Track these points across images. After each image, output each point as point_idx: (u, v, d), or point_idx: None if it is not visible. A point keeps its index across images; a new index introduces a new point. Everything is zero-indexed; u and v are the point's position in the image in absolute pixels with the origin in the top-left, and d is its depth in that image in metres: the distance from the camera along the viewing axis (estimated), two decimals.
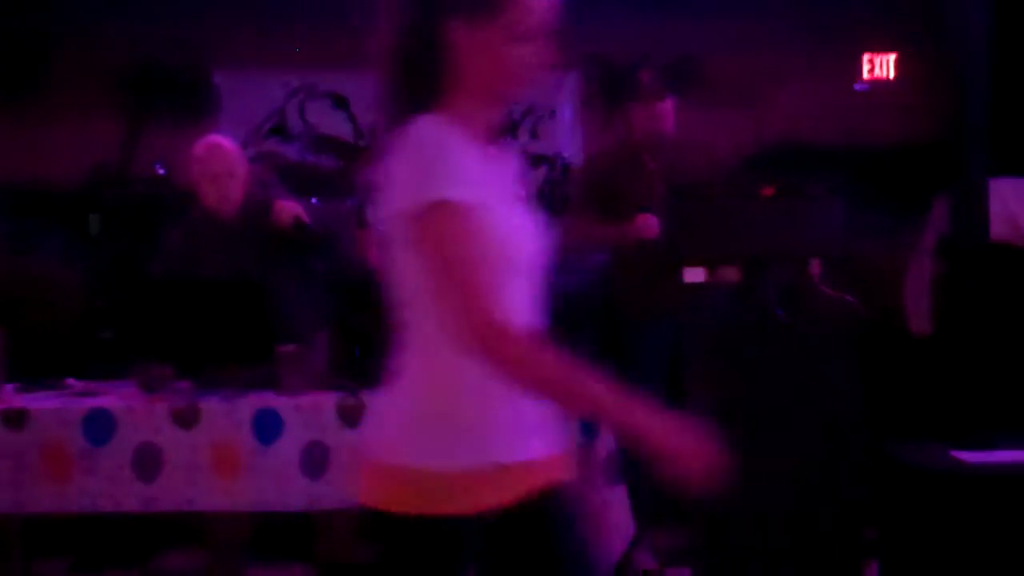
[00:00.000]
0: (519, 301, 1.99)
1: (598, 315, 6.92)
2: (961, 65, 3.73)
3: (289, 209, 4.27)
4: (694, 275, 3.77)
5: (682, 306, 4.64)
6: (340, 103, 8.25)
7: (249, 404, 3.58)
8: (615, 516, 3.57)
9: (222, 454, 3.52)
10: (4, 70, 7.66)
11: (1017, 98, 6.25)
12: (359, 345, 3.87)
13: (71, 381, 4.02)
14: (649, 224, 4.67)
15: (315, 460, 3.53)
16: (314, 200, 6.61)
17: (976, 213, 3.73)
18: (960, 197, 3.77)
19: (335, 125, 8.08)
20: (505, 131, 7.34)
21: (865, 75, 8.45)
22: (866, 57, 8.42)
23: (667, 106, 4.76)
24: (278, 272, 4.21)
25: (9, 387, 3.93)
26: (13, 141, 7.58)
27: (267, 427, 3.54)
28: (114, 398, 3.69)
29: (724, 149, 5.53)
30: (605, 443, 3.57)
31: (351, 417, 3.53)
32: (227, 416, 3.54)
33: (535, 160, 7.89)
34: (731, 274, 3.76)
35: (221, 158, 4.35)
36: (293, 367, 4.22)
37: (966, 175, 3.74)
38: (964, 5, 3.88)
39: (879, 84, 8.41)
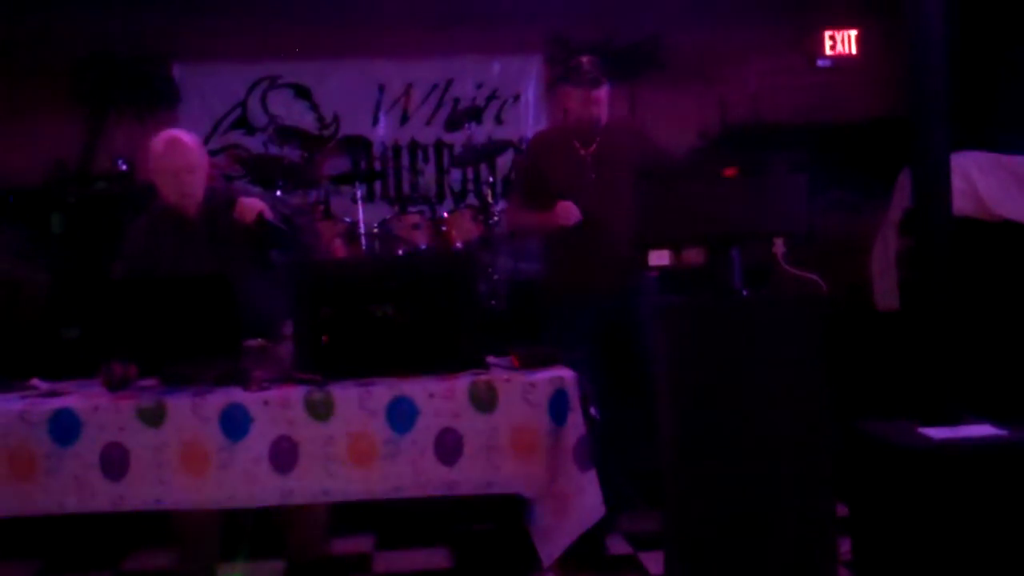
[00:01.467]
0: None
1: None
2: (920, 39, 3.73)
3: (251, 206, 4.23)
4: (659, 258, 3.76)
5: (612, 287, 4.67)
6: (302, 93, 8.22)
7: (216, 400, 3.54)
8: (586, 501, 3.56)
9: (190, 451, 3.49)
10: None
11: (979, 71, 6.29)
12: (325, 338, 3.84)
13: (36, 382, 3.97)
14: (569, 211, 4.68)
15: (284, 455, 3.50)
16: (279, 192, 6.58)
17: (939, 188, 3.74)
18: (922, 172, 3.77)
19: (298, 116, 8.05)
20: (470, 117, 7.37)
21: (827, 51, 8.48)
22: (828, 33, 8.45)
23: (602, 93, 4.74)
24: (241, 266, 4.18)
25: None
26: None
27: (235, 423, 3.50)
28: (79, 398, 3.64)
29: (663, 134, 5.53)
30: (575, 428, 3.57)
31: (320, 411, 3.50)
32: (194, 413, 3.50)
33: (500, 145, 7.88)
34: (696, 256, 3.75)
35: (181, 153, 4.27)
36: (260, 362, 4.21)
37: (928, 150, 3.74)
38: None
39: (841, 60, 8.44)
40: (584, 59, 4.77)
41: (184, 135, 4.36)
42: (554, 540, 3.62)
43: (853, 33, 8.44)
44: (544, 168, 4.85)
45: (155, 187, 4.38)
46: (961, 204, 4.52)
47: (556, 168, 4.80)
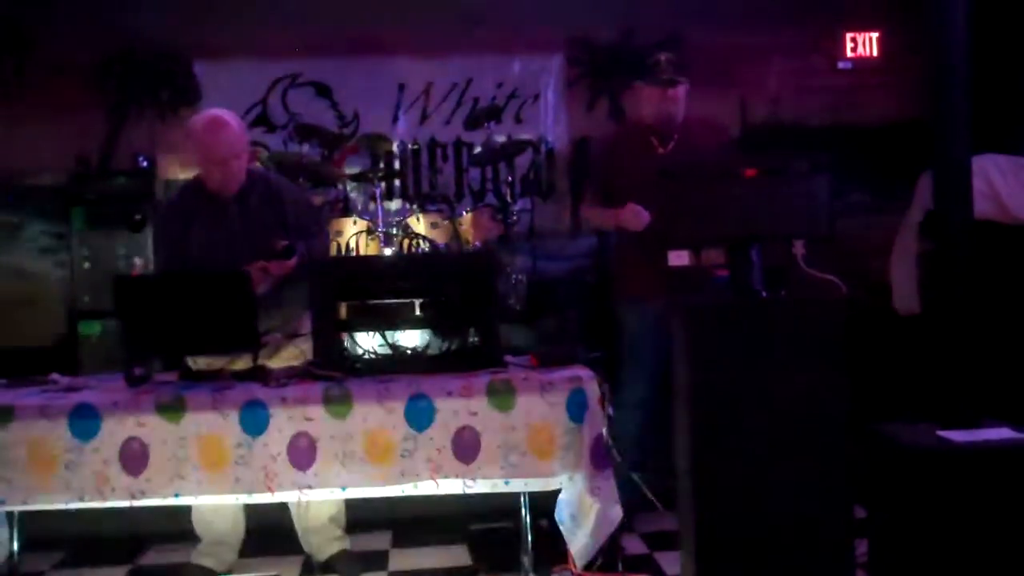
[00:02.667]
0: None
1: (587, 297, 6.95)
2: (942, 41, 3.71)
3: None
4: (679, 258, 3.76)
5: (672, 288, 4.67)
6: (323, 91, 8.23)
7: (236, 396, 3.55)
8: (603, 500, 3.57)
9: (209, 446, 3.50)
10: None
11: (1001, 74, 6.26)
12: (345, 335, 3.86)
13: (56, 376, 4.00)
14: (638, 215, 4.65)
15: (303, 450, 3.51)
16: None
17: (960, 191, 3.72)
18: (943, 174, 3.76)
19: (318, 113, 8.06)
20: (489, 116, 7.36)
21: (848, 53, 8.45)
22: (849, 35, 8.42)
23: (680, 91, 4.73)
24: (269, 253, 4.16)
25: None
26: None
27: (254, 419, 3.52)
28: (99, 393, 3.66)
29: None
30: (593, 427, 3.57)
31: (338, 407, 3.51)
32: (214, 408, 3.52)
33: (519, 145, 7.87)
34: (716, 257, 3.75)
35: (226, 142, 4.19)
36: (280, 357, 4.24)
37: (949, 152, 3.72)
38: None
39: (862, 62, 8.41)
40: (662, 57, 4.75)
41: (228, 118, 4.27)
42: (577, 540, 3.64)
43: (874, 35, 8.41)
44: (619, 165, 4.84)
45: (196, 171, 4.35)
46: (982, 207, 4.50)
47: (632, 166, 4.76)
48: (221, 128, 4.21)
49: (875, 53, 8.45)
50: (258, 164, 7.59)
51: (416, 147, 8.32)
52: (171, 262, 4.33)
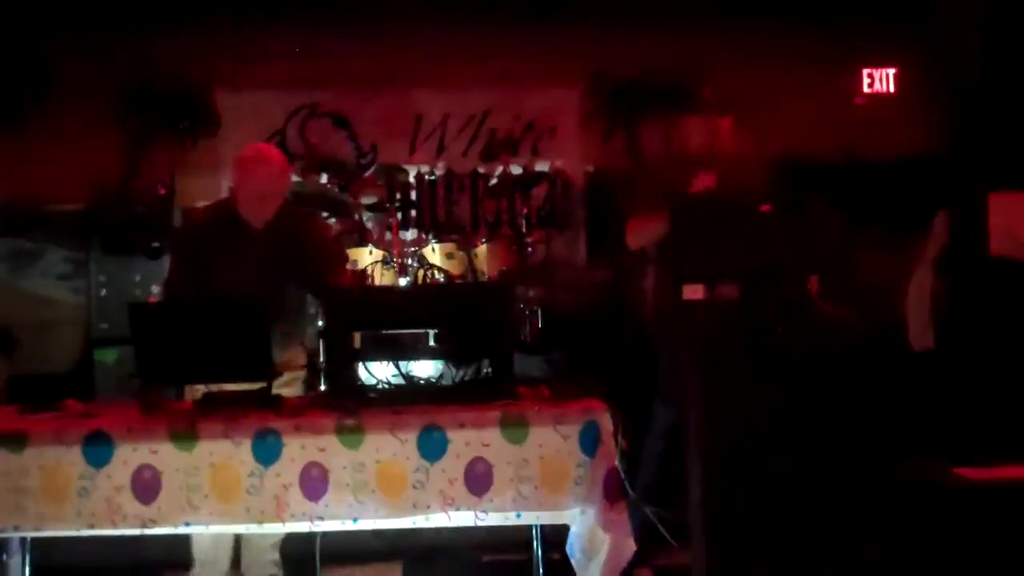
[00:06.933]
0: None
1: (602, 327, 6.93)
2: (958, 80, 3.72)
3: None
4: (693, 292, 3.76)
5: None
6: (340, 122, 8.28)
7: (249, 424, 3.56)
8: (617, 533, 3.56)
9: (221, 475, 3.51)
10: (5, 90, 7.67)
11: (1016, 112, 6.26)
12: (357, 365, 3.87)
13: (71, 402, 4.01)
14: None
15: (315, 480, 3.51)
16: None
17: (976, 227, 3.72)
18: (960, 211, 3.76)
19: (336, 144, 8.10)
20: (506, 148, 7.39)
21: (865, 89, 8.46)
22: (866, 71, 8.43)
23: (727, 122, 4.76)
24: (288, 283, 4.20)
25: (10, 409, 3.93)
26: (14, 161, 7.59)
27: (267, 447, 3.52)
28: (114, 419, 3.67)
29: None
30: (606, 460, 3.56)
31: (351, 437, 3.51)
32: (227, 437, 3.52)
33: (535, 177, 7.89)
34: (730, 291, 3.75)
35: (268, 179, 4.29)
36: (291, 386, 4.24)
37: (966, 189, 3.72)
38: (961, 20, 3.89)
39: (879, 98, 8.41)
40: (707, 89, 4.77)
41: (275, 154, 4.38)
42: (589, 573, 3.62)
43: (891, 72, 8.41)
44: (663, 193, 4.83)
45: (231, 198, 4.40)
46: (999, 245, 4.49)
47: (676, 195, 4.75)
48: (264, 163, 4.31)
49: (892, 89, 8.44)
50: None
51: (433, 178, 8.35)
52: (181, 280, 4.39)
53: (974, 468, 3.45)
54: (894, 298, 5.87)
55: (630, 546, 3.60)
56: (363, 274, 6.36)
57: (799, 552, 3.45)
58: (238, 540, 4.33)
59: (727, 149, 4.78)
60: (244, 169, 4.30)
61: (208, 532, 4.12)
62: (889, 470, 3.63)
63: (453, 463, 3.52)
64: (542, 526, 3.84)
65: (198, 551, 4.29)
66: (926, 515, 3.42)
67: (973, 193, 3.72)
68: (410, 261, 6.61)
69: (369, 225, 7.43)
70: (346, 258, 5.80)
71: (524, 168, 8.16)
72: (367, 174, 7.78)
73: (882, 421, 4.21)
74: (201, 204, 6.90)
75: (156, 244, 7.23)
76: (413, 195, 8.26)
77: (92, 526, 3.53)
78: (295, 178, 7.82)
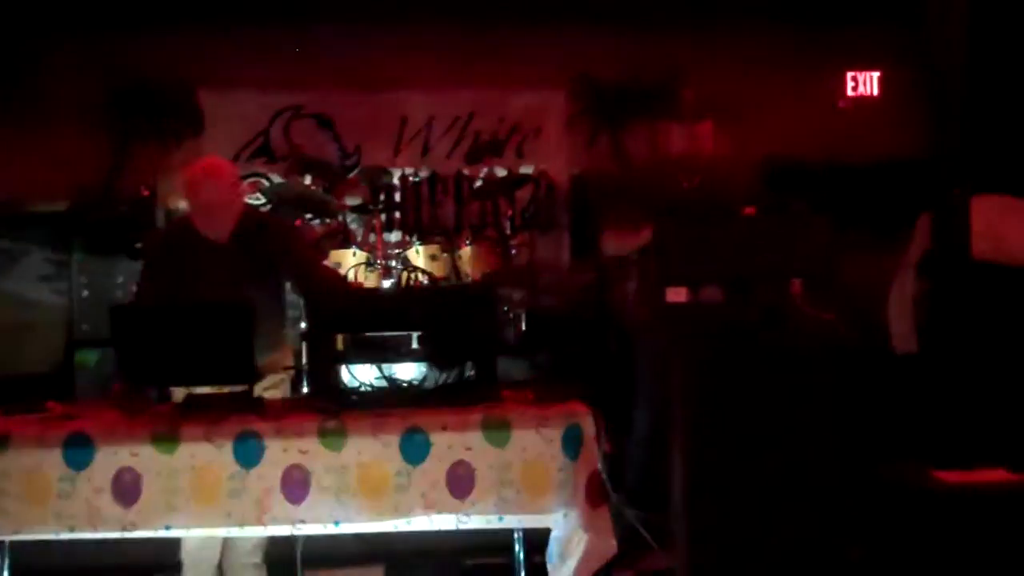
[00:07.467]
0: None
1: (585, 330, 6.93)
2: (942, 83, 3.73)
3: None
4: (677, 295, 3.76)
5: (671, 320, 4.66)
6: (325, 123, 8.26)
7: (231, 427, 3.54)
8: (598, 536, 3.55)
9: (202, 478, 3.49)
10: None
11: (1000, 115, 6.28)
12: (340, 367, 3.85)
13: (52, 404, 3.99)
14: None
15: (296, 483, 3.50)
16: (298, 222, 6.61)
17: (958, 231, 3.73)
18: (942, 215, 3.77)
19: (320, 145, 8.09)
20: (491, 150, 7.38)
21: (849, 92, 8.48)
22: (850, 75, 8.45)
23: (707, 127, 4.76)
24: (256, 291, 4.18)
25: None
26: None
27: (248, 450, 3.51)
28: (95, 421, 3.65)
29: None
30: (588, 463, 3.56)
31: (333, 440, 3.50)
32: (208, 439, 3.51)
33: (520, 179, 7.89)
34: (714, 294, 3.75)
35: (217, 189, 4.22)
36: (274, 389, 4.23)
37: (948, 193, 3.73)
38: (946, 23, 3.90)
39: (863, 102, 8.44)
40: (686, 93, 4.77)
41: (223, 166, 4.32)
42: (561, 574, 3.62)
43: (875, 75, 8.44)
44: (644, 200, 4.83)
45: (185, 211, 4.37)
46: (981, 247, 4.50)
47: (657, 201, 4.75)
48: (213, 176, 4.24)
49: (876, 92, 8.47)
50: (259, 194, 7.64)
51: (417, 180, 8.33)
52: (148, 297, 4.38)
53: (955, 471, 3.46)
54: (877, 301, 5.88)
55: (611, 547, 3.59)
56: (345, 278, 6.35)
57: (781, 555, 3.45)
58: (227, 544, 4.31)
59: (707, 153, 4.79)
60: (194, 184, 4.24)
61: (194, 535, 4.12)
62: (871, 473, 3.63)
63: (435, 466, 3.51)
64: (524, 530, 3.84)
65: (186, 554, 4.27)
66: (907, 518, 3.43)
67: (955, 196, 3.72)
68: (394, 263, 6.60)
69: (353, 227, 7.42)
70: (324, 256, 5.80)
71: (508, 170, 8.15)
72: (351, 176, 7.76)
73: (865, 424, 4.22)
74: (184, 206, 6.88)
75: (139, 245, 7.19)
76: (397, 197, 8.25)
77: (72, 529, 3.51)
78: (279, 179, 7.86)
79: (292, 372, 4.48)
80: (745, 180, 4.89)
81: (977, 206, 4.21)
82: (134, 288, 6.17)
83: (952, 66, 3.75)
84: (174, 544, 4.24)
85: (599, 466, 3.59)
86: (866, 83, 8.45)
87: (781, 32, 8.09)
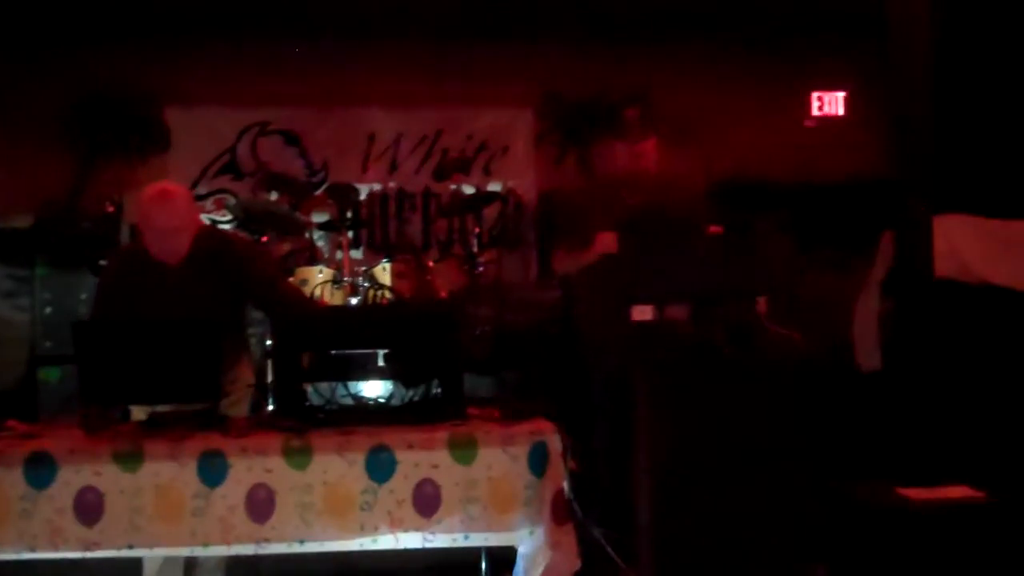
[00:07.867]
0: None
1: (552, 347, 6.94)
2: (906, 102, 3.77)
3: None
4: (642, 313, 3.77)
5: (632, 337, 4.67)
6: (292, 140, 8.24)
7: (195, 445, 3.51)
8: (562, 554, 3.54)
9: (166, 497, 3.45)
10: None
11: (963, 135, 6.34)
12: (306, 385, 3.83)
13: (13, 423, 3.94)
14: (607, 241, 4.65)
15: (261, 502, 3.47)
16: (265, 239, 6.57)
17: (921, 249, 3.76)
18: (905, 233, 3.80)
19: (287, 162, 8.07)
20: (458, 167, 7.39)
21: (815, 112, 8.56)
22: (815, 95, 8.53)
23: (650, 145, 4.78)
24: (213, 312, 4.16)
25: None
26: None
27: (212, 469, 3.47)
28: (57, 440, 3.61)
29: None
30: (554, 481, 3.55)
31: (298, 458, 3.48)
32: (172, 458, 3.48)
33: (487, 196, 7.90)
34: (679, 312, 3.76)
35: (169, 213, 4.21)
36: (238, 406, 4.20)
37: (911, 211, 3.77)
38: (910, 43, 3.93)
39: (828, 121, 8.51)
40: (629, 112, 4.79)
41: (176, 191, 4.29)
42: None
43: (841, 95, 8.52)
44: (590, 219, 4.84)
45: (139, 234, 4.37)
46: (944, 266, 4.54)
47: (604, 219, 4.77)
48: (167, 200, 4.23)
49: (841, 112, 8.55)
50: (225, 211, 7.61)
51: (385, 197, 8.32)
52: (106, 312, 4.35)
53: (919, 488, 3.48)
54: (842, 319, 5.92)
55: (574, 564, 3.58)
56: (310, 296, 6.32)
57: (746, 573, 3.45)
58: (190, 563, 4.28)
59: (651, 171, 4.81)
60: (148, 208, 4.24)
61: (157, 554, 4.08)
62: (836, 490, 3.65)
63: (401, 484, 3.49)
64: (490, 548, 3.82)
65: (149, 573, 4.23)
66: (872, 535, 3.44)
67: (918, 215, 3.76)
68: (360, 280, 6.58)
69: (320, 244, 7.39)
70: (289, 273, 5.77)
71: (476, 188, 8.16)
72: (318, 192, 7.74)
73: (829, 442, 4.24)
74: None
75: (103, 261, 7.14)
76: (364, 214, 8.24)
77: (33, 549, 3.45)
78: (245, 196, 7.82)
79: (252, 389, 4.45)
80: (704, 197, 4.91)
81: (940, 225, 4.25)
82: None
83: (916, 86, 3.79)
84: (136, 564, 4.20)
85: (564, 484, 3.58)
86: (832, 103, 8.53)
87: (748, 52, 8.16)
